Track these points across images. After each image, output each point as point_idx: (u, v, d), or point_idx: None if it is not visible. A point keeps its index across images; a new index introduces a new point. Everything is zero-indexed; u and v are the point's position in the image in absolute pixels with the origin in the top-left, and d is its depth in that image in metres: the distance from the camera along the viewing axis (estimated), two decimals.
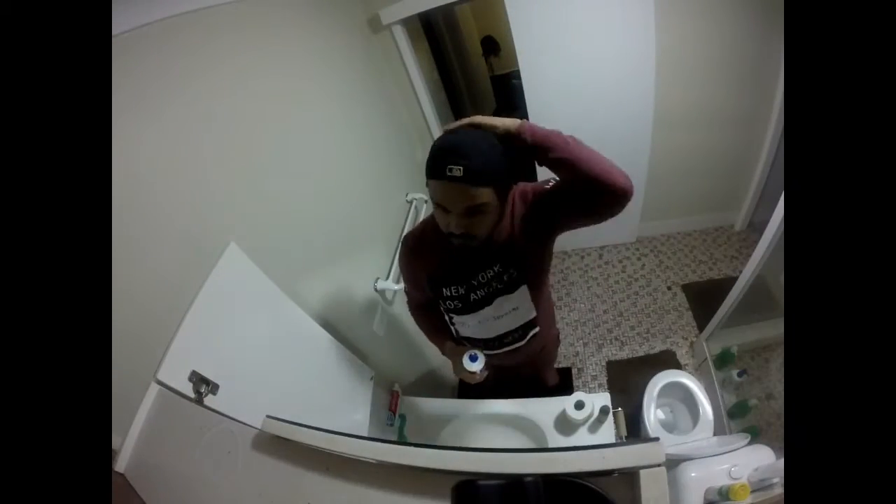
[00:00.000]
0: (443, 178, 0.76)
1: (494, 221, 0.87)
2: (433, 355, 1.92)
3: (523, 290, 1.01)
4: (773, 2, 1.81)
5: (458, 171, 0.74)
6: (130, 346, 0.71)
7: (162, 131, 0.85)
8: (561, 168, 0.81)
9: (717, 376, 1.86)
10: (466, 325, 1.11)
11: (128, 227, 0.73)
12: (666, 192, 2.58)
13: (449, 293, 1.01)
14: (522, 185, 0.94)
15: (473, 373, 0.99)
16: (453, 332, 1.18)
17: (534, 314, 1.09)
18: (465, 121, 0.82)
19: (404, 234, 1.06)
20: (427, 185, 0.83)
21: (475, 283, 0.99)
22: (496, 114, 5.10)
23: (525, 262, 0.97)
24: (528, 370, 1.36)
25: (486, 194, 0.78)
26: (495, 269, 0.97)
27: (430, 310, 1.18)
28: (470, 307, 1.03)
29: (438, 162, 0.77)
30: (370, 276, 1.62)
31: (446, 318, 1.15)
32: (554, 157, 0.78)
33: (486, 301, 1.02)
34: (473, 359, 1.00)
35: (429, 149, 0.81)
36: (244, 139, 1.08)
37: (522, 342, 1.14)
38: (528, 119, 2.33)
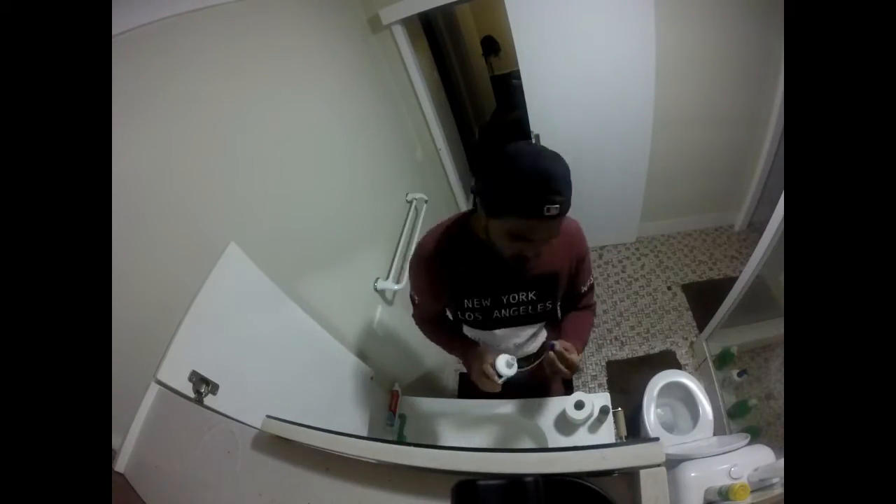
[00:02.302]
0: (539, 217, 0.68)
1: None
2: (433, 355, 1.92)
3: (551, 320, 1.04)
4: (773, 2, 1.81)
5: (555, 209, 0.67)
6: (130, 346, 0.71)
7: (161, 131, 0.85)
8: None
9: (717, 376, 1.86)
10: (482, 342, 1.09)
11: (128, 227, 0.73)
12: (666, 191, 2.58)
13: (471, 304, 0.95)
14: (579, 230, 0.91)
15: (499, 378, 0.89)
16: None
17: (549, 335, 1.11)
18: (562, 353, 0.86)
19: (419, 241, 0.95)
20: (497, 217, 0.73)
21: (503, 299, 0.94)
22: (496, 114, 5.11)
23: (559, 297, 0.98)
24: (535, 381, 1.36)
25: (561, 224, 0.74)
26: (530, 295, 0.93)
27: (441, 321, 1.12)
28: (490, 323, 0.99)
29: (536, 198, 0.67)
30: (370, 276, 1.62)
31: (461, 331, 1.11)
32: None
33: (509, 322, 0.99)
34: (510, 365, 0.89)
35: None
36: (244, 139, 1.08)
37: (536, 363, 1.16)
38: (527, 117, 2.33)
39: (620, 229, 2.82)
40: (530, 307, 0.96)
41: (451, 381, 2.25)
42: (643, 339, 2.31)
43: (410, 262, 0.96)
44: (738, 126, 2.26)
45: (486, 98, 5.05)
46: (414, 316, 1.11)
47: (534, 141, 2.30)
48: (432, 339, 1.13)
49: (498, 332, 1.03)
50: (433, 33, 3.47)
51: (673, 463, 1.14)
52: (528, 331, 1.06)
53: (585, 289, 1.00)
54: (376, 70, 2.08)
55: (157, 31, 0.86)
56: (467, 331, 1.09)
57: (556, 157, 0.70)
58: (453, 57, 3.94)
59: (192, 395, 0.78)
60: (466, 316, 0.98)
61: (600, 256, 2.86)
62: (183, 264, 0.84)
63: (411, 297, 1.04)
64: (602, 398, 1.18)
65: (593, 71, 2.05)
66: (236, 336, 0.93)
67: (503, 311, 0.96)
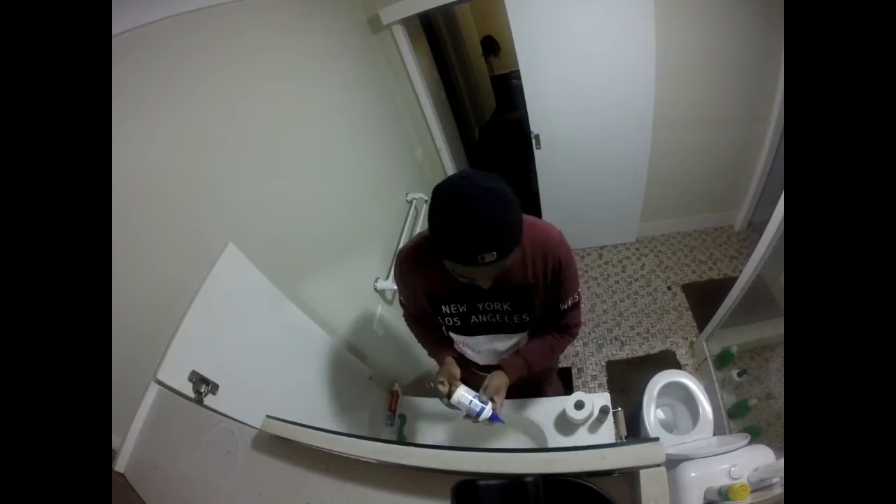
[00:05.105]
0: (474, 265, 0.69)
1: None
2: None
3: (528, 331, 1.03)
4: (773, 2, 1.81)
5: (491, 257, 0.67)
6: (130, 346, 0.71)
7: (161, 132, 0.85)
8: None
9: (717, 376, 1.86)
10: (466, 346, 1.10)
11: (127, 227, 0.73)
12: (666, 191, 2.58)
13: (448, 310, 0.97)
14: (557, 238, 0.87)
15: (447, 400, 0.92)
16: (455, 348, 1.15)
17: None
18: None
19: (399, 248, 0.97)
20: (441, 258, 0.73)
21: (479, 306, 0.95)
22: (496, 114, 5.09)
23: (537, 309, 0.95)
24: (528, 383, 1.36)
25: (512, 256, 0.72)
26: (504, 306, 0.94)
27: (428, 322, 1.12)
28: (469, 329, 1.00)
29: (467, 252, 0.67)
30: (370, 276, 1.62)
31: (446, 334, 1.12)
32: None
33: (487, 329, 1.00)
34: (467, 399, 0.91)
35: (440, 169, 0.76)
36: (244, 139, 1.08)
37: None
38: (527, 117, 2.32)
39: (620, 229, 2.82)
40: (506, 317, 0.96)
41: None
42: (643, 339, 2.31)
43: (394, 267, 1.00)
44: (738, 126, 2.26)
45: (486, 98, 5.06)
46: (404, 315, 1.15)
47: (533, 140, 2.30)
48: (417, 339, 1.17)
49: (479, 337, 1.04)
50: (433, 33, 3.48)
51: (673, 463, 1.13)
52: (509, 341, 1.05)
53: (566, 306, 0.94)
54: (376, 70, 2.08)
55: (157, 31, 0.86)
56: (451, 335, 1.09)
57: (491, 202, 0.65)
58: (453, 57, 3.94)
59: (192, 395, 0.78)
60: (447, 321, 1.00)
61: (600, 256, 2.86)
62: (182, 264, 0.84)
63: (399, 299, 1.10)
64: (602, 398, 1.17)
65: (593, 70, 2.05)
66: (236, 336, 0.93)
67: (480, 316, 0.98)
